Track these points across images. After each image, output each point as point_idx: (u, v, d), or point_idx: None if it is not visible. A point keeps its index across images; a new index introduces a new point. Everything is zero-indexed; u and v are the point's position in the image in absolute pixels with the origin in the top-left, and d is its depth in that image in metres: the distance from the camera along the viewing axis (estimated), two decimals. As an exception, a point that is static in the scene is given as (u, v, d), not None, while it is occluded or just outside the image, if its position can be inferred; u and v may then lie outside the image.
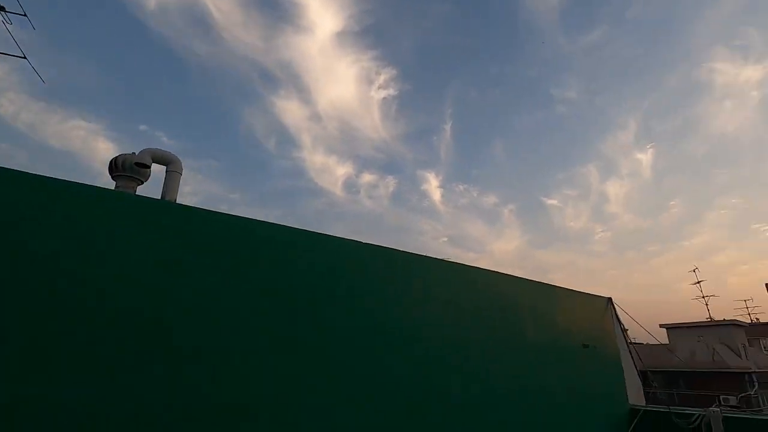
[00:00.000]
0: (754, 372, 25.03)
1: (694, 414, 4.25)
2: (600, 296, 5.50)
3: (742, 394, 22.29)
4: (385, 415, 2.85)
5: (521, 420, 3.63)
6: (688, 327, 28.54)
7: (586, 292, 5.33)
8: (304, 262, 2.71)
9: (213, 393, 2.35)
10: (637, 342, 37.67)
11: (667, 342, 29.27)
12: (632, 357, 5.36)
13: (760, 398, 21.79)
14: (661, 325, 29.93)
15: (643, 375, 25.68)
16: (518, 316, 4.15)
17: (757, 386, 23.98)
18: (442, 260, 3.77)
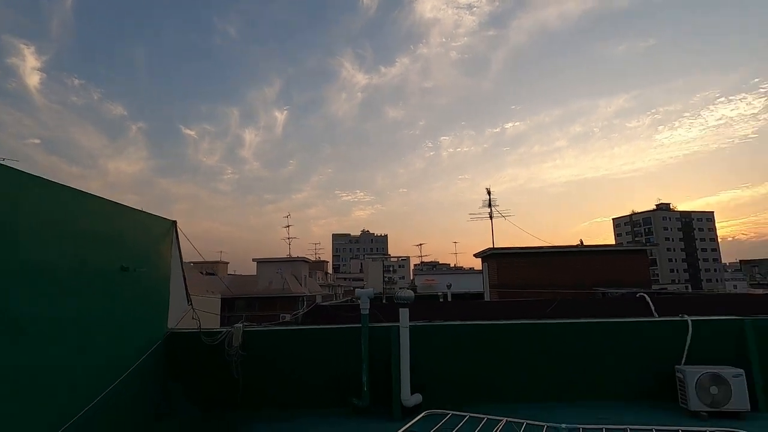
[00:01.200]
0: (306, 295, 33.62)
1: (221, 332, 4.41)
2: (164, 218, 4.90)
3: (295, 313, 29.59)
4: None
5: (59, 353, 3.03)
6: (271, 261, 34.56)
7: (149, 212, 4.61)
8: None
9: None
10: (235, 274, 42.20)
11: (255, 273, 34.37)
12: (185, 283, 5.13)
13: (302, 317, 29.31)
14: (253, 259, 34.70)
15: (230, 301, 29.31)
16: (64, 235, 3.20)
17: (305, 306, 32.46)
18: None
